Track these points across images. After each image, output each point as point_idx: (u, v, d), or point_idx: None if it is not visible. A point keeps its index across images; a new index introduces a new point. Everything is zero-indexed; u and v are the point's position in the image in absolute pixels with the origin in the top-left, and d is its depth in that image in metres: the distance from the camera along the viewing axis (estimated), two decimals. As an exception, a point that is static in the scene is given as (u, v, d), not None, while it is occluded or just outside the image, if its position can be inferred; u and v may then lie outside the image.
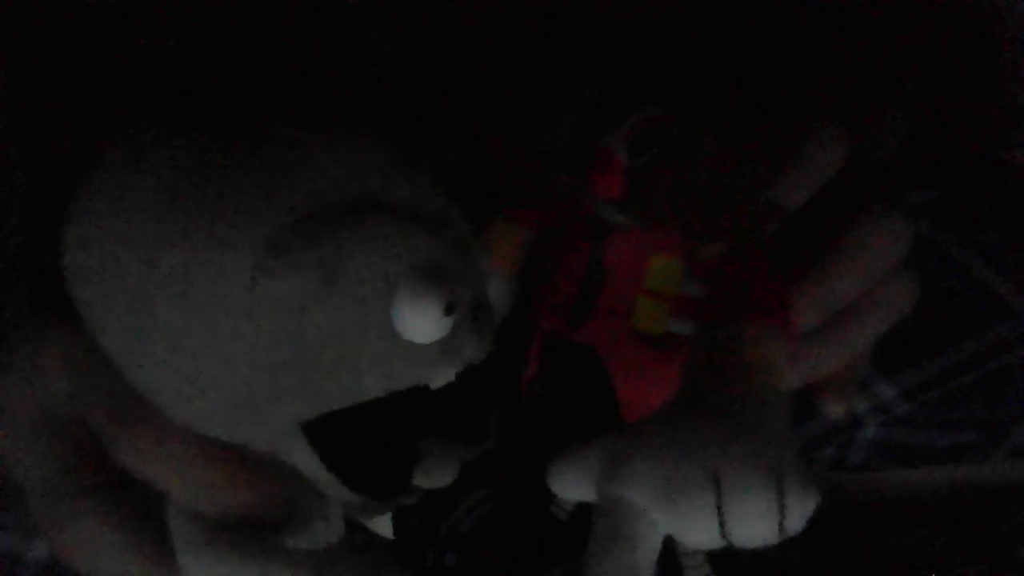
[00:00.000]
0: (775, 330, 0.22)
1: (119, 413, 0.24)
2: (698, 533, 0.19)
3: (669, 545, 0.21)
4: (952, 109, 0.34)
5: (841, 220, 0.25)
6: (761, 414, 0.20)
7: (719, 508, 0.19)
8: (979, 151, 0.38)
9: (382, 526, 0.30)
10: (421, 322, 0.22)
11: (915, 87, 0.31)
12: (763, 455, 0.19)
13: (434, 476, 0.27)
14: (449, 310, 0.22)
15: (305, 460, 0.23)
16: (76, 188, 0.22)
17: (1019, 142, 0.38)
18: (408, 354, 0.22)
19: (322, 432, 0.23)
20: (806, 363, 0.25)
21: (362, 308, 0.21)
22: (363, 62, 0.32)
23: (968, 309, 0.37)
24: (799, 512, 0.19)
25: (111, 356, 0.22)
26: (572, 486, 0.21)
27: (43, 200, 0.28)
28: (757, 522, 0.19)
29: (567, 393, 0.29)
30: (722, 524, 0.19)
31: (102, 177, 0.22)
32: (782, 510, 0.18)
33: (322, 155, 0.22)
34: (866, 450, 0.39)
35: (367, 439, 0.24)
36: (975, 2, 0.34)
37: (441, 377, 0.24)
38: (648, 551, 0.20)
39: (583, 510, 0.22)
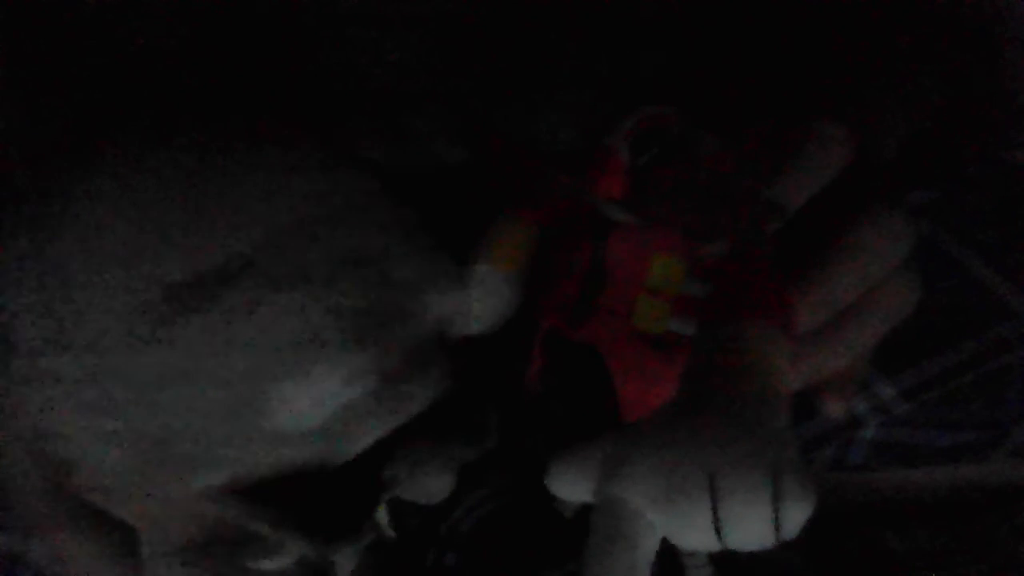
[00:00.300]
0: (776, 331, 0.22)
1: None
2: (694, 536, 0.19)
3: (671, 545, 0.21)
4: (952, 109, 0.34)
5: (842, 220, 0.25)
6: (761, 416, 0.20)
7: (715, 511, 0.19)
8: (979, 151, 0.38)
9: (382, 525, 0.30)
10: (318, 389, 0.20)
11: (916, 87, 0.31)
12: (761, 458, 0.19)
13: (431, 490, 0.26)
14: (362, 372, 0.20)
15: (236, 513, 0.22)
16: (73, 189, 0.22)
17: (1019, 142, 0.38)
18: (321, 425, 0.21)
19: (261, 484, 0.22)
20: (807, 364, 0.25)
21: (252, 378, 0.20)
22: (363, 62, 0.32)
23: (968, 309, 0.37)
24: (796, 516, 0.19)
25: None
26: (571, 487, 0.21)
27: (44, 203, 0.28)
28: (753, 526, 0.19)
29: (568, 392, 0.29)
30: (718, 527, 0.19)
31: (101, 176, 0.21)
32: (778, 514, 0.18)
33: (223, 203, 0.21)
34: (866, 450, 0.39)
35: (322, 480, 0.23)
36: (975, 2, 0.34)
37: (360, 443, 0.22)
38: (646, 552, 0.20)
39: (588, 507, 0.22)
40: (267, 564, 0.23)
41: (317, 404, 0.20)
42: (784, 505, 0.18)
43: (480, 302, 0.29)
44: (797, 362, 0.25)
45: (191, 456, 0.20)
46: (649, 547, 0.20)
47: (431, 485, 0.27)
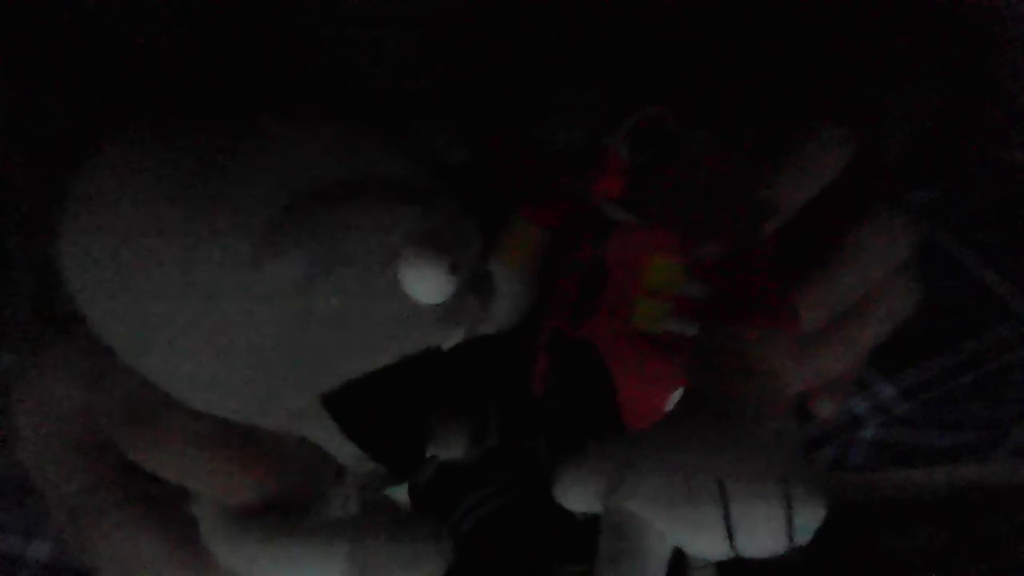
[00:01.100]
0: (777, 334, 0.22)
1: (132, 414, 0.24)
2: (706, 544, 0.19)
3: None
4: (952, 109, 0.34)
5: (843, 220, 0.25)
6: (767, 423, 0.20)
7: (726, 520, 0.18)
8: (979, 151, 0.38)
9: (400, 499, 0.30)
10: (427, 284, 0.22)
11: (916, 87, 0.31)
12: (770, 465, 0.19)
13: (451, 446, 0.28)
14: (452, 270, 0.22)
15: (326, 434, 0.24)
16: (72, 187, 0.22)
17: (1019, 142, 0.38)
18: (416, 318, 0.23)
19: (338, 404, 0.23)
20: (809, 365, 0.25)
21: (367, 277, 0.22)
22: (363, 62, 0.32)
23: (968, 309, 0.37)
24: (808, 521, 0.19)
25: (120, 354, 0.23)
26: (578, 498, 0.21)
27: (43, 203, 0.28)
28: (765, 533, 0.18)
29: (570, 391, 0.29)
30: (730, 536, 0.19)
31: (100, 175, 0.22)
32: (791, 520, 0.18)
33: (311, 143, 0.23)
34: (866, 450, 0.39)
35: (382, 410, 0.24)
36: (975, 2, 0.34)
37: (451, 339, 0.24)
38: (657, 562, 0.19)
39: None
40: (325, 515, 0.25)
41: (408, 297, 0.22)
42: (796, 510, 0.18)
43: (495, 303, 0.29)
44: (799, 364, 0.25)
45: (311, 369, 0.22)
46: (660, 556, 0.20)
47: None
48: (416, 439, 0.26)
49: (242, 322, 0.21)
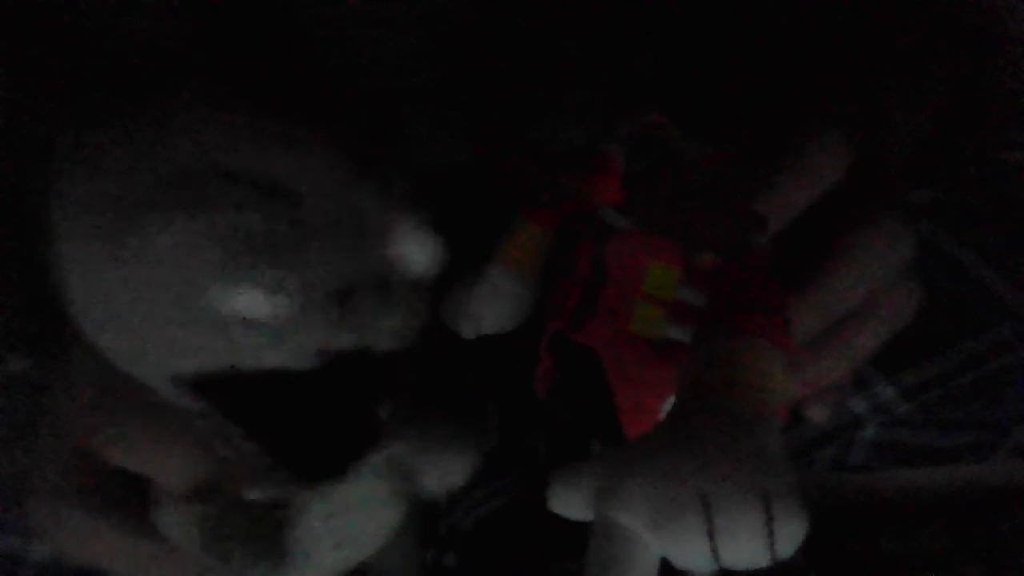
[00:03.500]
0: (771, 345, 0.22)
1: (94, 400, 0.25)
2: (691, 556, 0.19)
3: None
4: (952, 109, 0.34)
5: (842, 224, 0.25)
6: (753, 434, 0.20)
7: (709, 533, 0.19)
8: (979, 151, 0.38)
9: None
10: (236, 300, 0.22)
11: (916, 88, 0.31)
12: (752, 478, 0.19)
13: (445, 480, 0.27)
14: (275, 289, 0.21)
15: (213, 423, 0.24)
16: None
17: (1019, 142, 0.38)
18: (229, 334, 0.22)
19: (250, 401, 0.24)
20: (808, 370, 0.25)
21: (167, 281, 0.22)
22: (363, 62, 0.32)
23: (968, 309, 0.37)
24: (789, 537, 0.19)
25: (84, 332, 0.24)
26: (570, 507, 0.21)
27: (40, 201, 0.28)
28: (747, 546, 0.19)
29: (572, 392, 0.29)
30: (713, 548, 0.19)
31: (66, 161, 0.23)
32: (771, 535, 0.18)
33: (162, 117, 0.22)
34: (866, 450, 0.39)
35: (300, 414, 0.25)
36: (975, 2, 0.34)
37: (302, 360, 0.23)
38: (644, 572, 0.20)
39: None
40: (256, 494, 0.25)
41: (254, 305, 0.22)
42: (777, 525, 0.18)
43: (493, 302, 0.29)
44: (798, 369, 0.25)
45: (156, 345, 0.23)
46: (648, 566, 0.20)
47: (441, 479, 0.29)
48: (330, 449, 0.26)
49: (108, 290, 0.22)
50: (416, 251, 0.24)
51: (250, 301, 0.21)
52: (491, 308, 0.29)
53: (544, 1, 0.31)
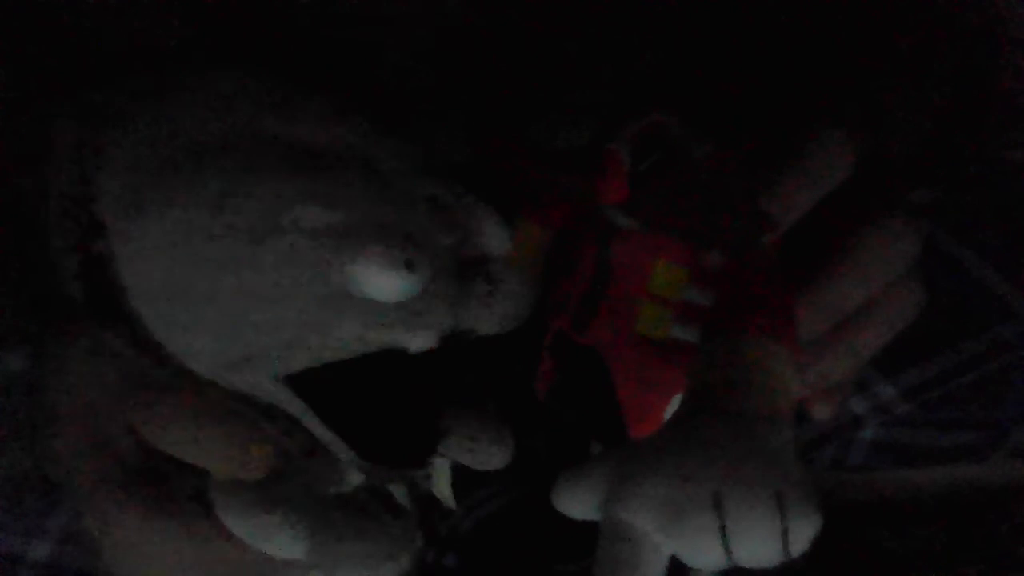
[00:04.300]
0: (780, 344, 0.22)
1: (144, 393, 0.25)
2: (703, 555, 0.19)
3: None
4: (952, 109, 0.34)
5: (846, 224, 0.25)
6: (765, 433, 0.20)
7: (723, 531, 0.19)
8: (979, 151, 0.38)
9: (444, 495, 0.30)
10: (372, 279, 0.21)
11: (917, 88, 0.31)
12: (766, 477, 0.19)
13: (487, 458, 0.27)
14: (408, 267, 0.21)
15: (303, 416, 0.24)
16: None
17: (1019, 142, 0.38)
18: (362, 314, 0.22)
19: (334, 392, 0.23)
20: (813, 372, 0.25)
21: (298, 262, 0.21)
22: (363, 62, 0.32)
23: (968, 309, 0.37)
24: (803, 535, 0.19)
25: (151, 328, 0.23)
26: (577, 507, 0.21)
27: (41, 201, 0.28)
28: (761, 544, 0.19)
29: (573, 392, 0.29)
30: (726, 547, 0.19)
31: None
32: (786, 533, 0.18)
33: (249, 93, 0.22)
34: (866, 450, 0.39)
35: (385, 406, 0.24)
36: (975, 2, 0.34)
37: (413, 342, 0.23)
38: (654, 571, 0.20)
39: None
40: (327, 487, 0.25)
41: (360, 288, 0.21)
42: (791, 522, 0.18)
43: (496, 301, 0.29)
44: (802, 369, 0.25)
45: (278, 336, 0.22)
46: (657, 566, 0.20)
47: (489, 453, 0.28)
48: (415, 442, 0.26)
49: (199, 281, 0.21)
50: (493, 235, 0.24)
51: (385, 280, 0.21)
52: (495, 307, 0.29)
53: (545, 1, 0.31)
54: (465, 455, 0.28)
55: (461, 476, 0.31)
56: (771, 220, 0.24)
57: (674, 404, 0.27)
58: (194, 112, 0.22)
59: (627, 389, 0.27)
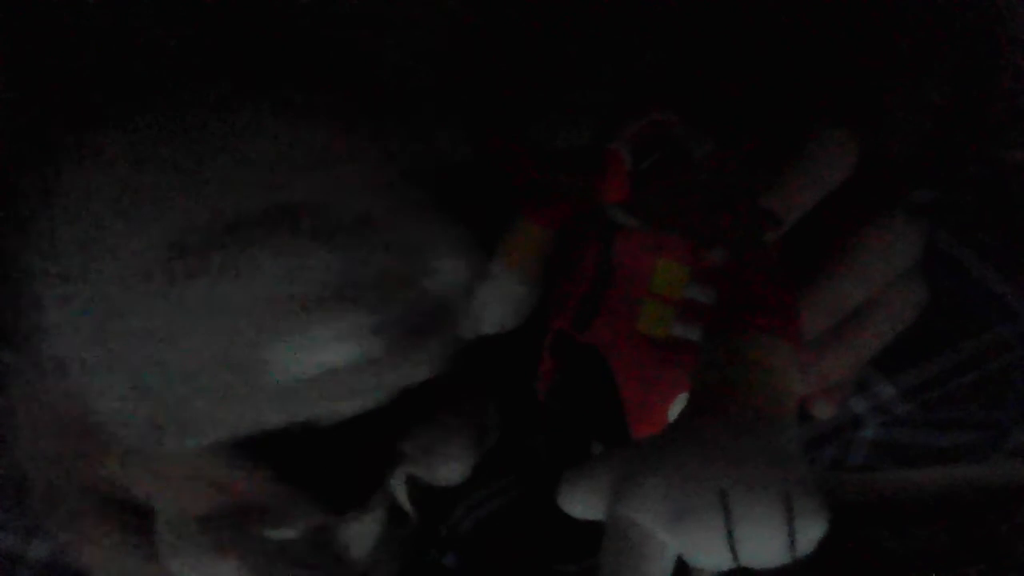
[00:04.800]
0: (783, 342, 0.22)
1: (82, 438, 0.24)
2: (709, 555, 0.19)
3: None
4: (952, 109, 0.34)
5: (847, 223, 0.25)
6: (770, 432, 0.20)
7: (729, 531, 0.19)
8: (979, 151, 0.38)
9: (402, 501, 0.29)
10: (327, 344, 0.20)
11: (916, 87, 0.31)
12: (773, 477, 0.19)
13: (445, 473, 0.27)
14: (368, 329, 0.20)
15: (247, 471, 0.23)
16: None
17: (1019, 142, 0.38)
18: (318, 378, 0.21)
19: (281, 441, 0.22)
20: (813, 371, 0.25)
21: (255, 329, 0.20)
22: (363, 62, 0.32)
23: (968, 309, 0.37)
24: (810, 534, 0.19)
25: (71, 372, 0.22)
26: (581, 506, 0.21)
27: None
28: (768, 545, 0.18)
29: (574, 392, 0.29)
30: (732, 547, 0.19)
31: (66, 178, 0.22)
32: (792, 533, 0.18)
33: (248, 155, 0.21)
34: (866, 450, 0.39)
35: (336, 448, 0.23)
36: (975, 2, 0.34)
37: (369, 401, 0.22)
38: (660, 572, 0.20)
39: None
40: (277, 533, 0.24)
41: (314, 358, 0.20)
42: (798, 523, 0.18)
43: (494, 302, 0.29)
44: (803, 368, 0.25)
45: (198, 411, 0.21)
46: (663, 567, 0.20)
47: (444, 468, 0.28)
48: (367, 480, 0.25)
49: (129, 352, 0.20)
50: (465, 276, 0.23)
51: (337, 349, 0.20)
52: (492, 308, 0.29)
53: (545, 1, 0.31)
54: (418, 472, 0.28)
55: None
56: (772, 219, 0.24)
57: (678, 404, 0.27)
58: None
59: (629, 388, 0.27)
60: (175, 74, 0.24)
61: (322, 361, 0.20)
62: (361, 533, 0.26)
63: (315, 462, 0.23)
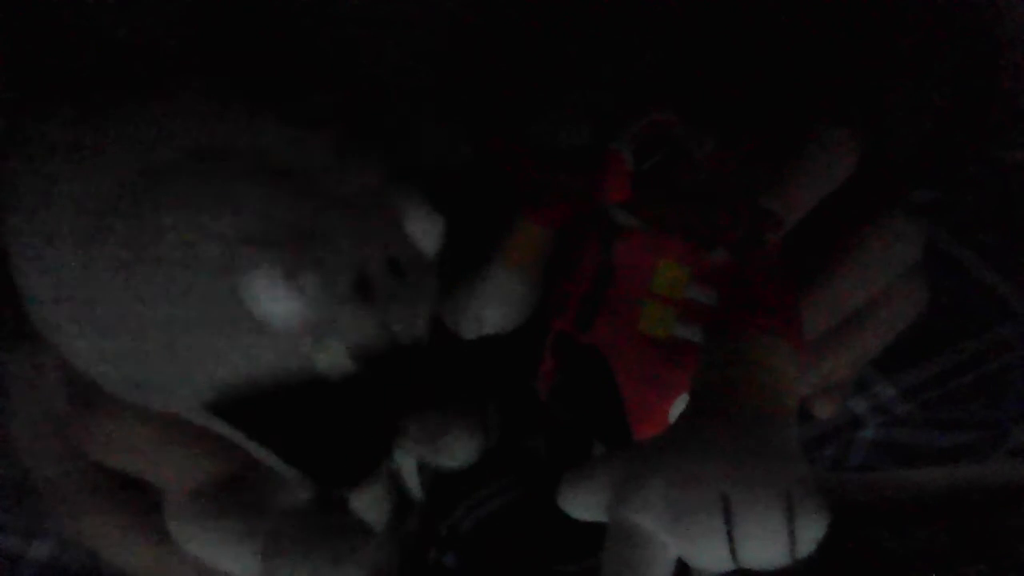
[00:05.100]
0: (784, 343, 0.22)
1: (79, 402, 0.24)
2: (709, 557, 0.19)
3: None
4: (952, 109, 0.34)
5: (848, 224, 0.25)
6: (771, 432, 0.20)
7: (729, 533, 0.19)
8: (979, 151, 0.38)
9: (412, 487, 0.29)
10: (268, 298, 0.20)
11: (917, 87, 0.31)
12: (773, 478, 0.19)
13: (453, 455, 0.27)
14: (305, 276, 0.19)
15: (236, 439, 0.23)
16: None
17: (1019, 142, 0.38)
18: (265, 335, 0.20)
19: (273, 406, 0.22)
20: (814, 369, 0.25)
21: (195, 275, 0.20)
22: (363, 62, 0.32)
23: (968, 309, 0.37)
24: (810, 535, 0.19)
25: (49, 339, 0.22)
26: (582, 507, 0.21)
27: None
28: (768, 546, 0.19)
29: (575, 393, 0.29)
30: (733, 548, 0.19)
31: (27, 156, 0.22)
32: (793, 532, 0.18)
33: (172, 105, 0.21)
34: (866, 450, 0.39)
35: (332, 418, 0.23)
36: (975, 2, 0.34)
37: (325, 360, 0.22)
38: (661, 573, 0.20)
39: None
40: (282, 500, 0.24)
41: (274, 303, 0.20)
42: (798, 524, 0.18)
43: (494, 302, 0.29)
44: (804, 368, 0.25)
45: (169, 367, 0.21)
46: (665, 568, 0.20)
47: (452, 448, 0.28)
48: (363, 455, 0.25)
49: (87, 304, 0.20)
50: (424, 231, 0.23)
51: (273, 298, 0.20)
52: (492, 308, 0.29)
53: (545, 1, 0.31)
54: (426, 454, 0.28)
55: (461, 476, 0.31)
56: (772, 219, 0.24)
57: (679, 404, 0.27)
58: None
59: (630, 389, 0.27)
60: (173, 71, 0.24)
61: (261, 309, 0.20)
62: (364, 509, 0.26)
63: (313, 436, 0.24)
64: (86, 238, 0.20)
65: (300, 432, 0.23)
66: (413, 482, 0.29)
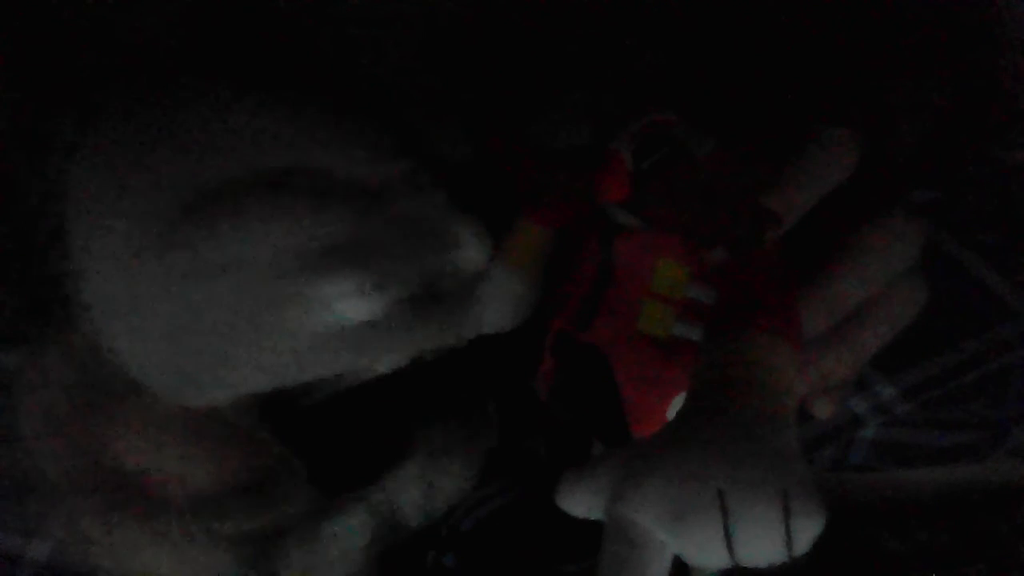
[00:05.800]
0: (783, 342, 0.22)
1: (102, 397, 0.24)
2: (707, 554, 0.19)
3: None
4: (952, 109, 0.34)
5: (848, 223, 0.25)
6: (769, 431, 0.20)
7: (726, 530, 0.19)
8: (979, 151, 0.38)
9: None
10: (333, 302, 0.21)
11: (917, 87, 0.31)
12: (771, 476, 0.19)
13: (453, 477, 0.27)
14: (372, 289, 0.21)
15: (263, 436, 0.23)
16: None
17: (1019, 142, 0.38)
18: (329, 336, 0.21)
19: (303, 416, 0.23)
20: (813, 370, 0.25)
21: (265, 286, 0.21)
22: (363, 62, 0.32)
23: (968, 309, 0.37)
24: (806, 534, 0.19)
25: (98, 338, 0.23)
26: (581, 506, 0.21)
27: (40, 200, 0.28)
28: (764, 544, 0.19)
29: (575, 392, 0.29)
30: (730, 546, 0.19)
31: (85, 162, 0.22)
32: (789, 532, 0.18)
33: (241, 123, 0.22)
34: (866, 450, 0.39)
35: (347, 428, 0.24)
36: (975, 2, 0.34)
37: (381, 363, 0.23)
38: (658, 571, 0.20)
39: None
40: (286, 507, 0.24)
41: (321, 316, 0.21)
42: (795, 521, 0.18)
43: (494, 302, 0.29)
44: (804, 368, 0.25)
45: (214, 362, 0.22)
46: (662, 565, 0.20)
47: (454, 470, 0.28)
48: (372, 463, 0.25)
49: (154, 303, 0.21)
50: (475, 253, 0.24)
51: (345, 305, 0.21)
52: (492, 308, 0.29)
53: (545, 1, 0.31)
54: (427, 468, 0.28)
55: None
56: (772, 219, 0.24)
57: (677, 403, 0.27)
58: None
59: (630, 388, 0.27)
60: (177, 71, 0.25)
61: (328, 319, 0.21)
62: (345, 532, 0.27)
63: (323, 441, 0.24)
64: (158, 247, 0.21)
65: (320, 433, 0.24)
66: (413, 510, 0.29)
